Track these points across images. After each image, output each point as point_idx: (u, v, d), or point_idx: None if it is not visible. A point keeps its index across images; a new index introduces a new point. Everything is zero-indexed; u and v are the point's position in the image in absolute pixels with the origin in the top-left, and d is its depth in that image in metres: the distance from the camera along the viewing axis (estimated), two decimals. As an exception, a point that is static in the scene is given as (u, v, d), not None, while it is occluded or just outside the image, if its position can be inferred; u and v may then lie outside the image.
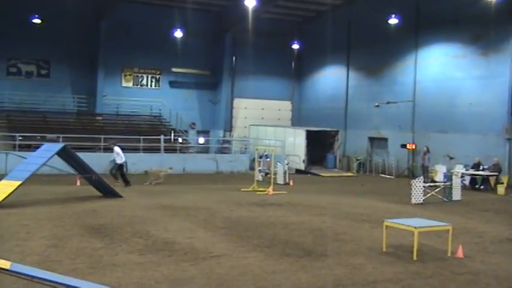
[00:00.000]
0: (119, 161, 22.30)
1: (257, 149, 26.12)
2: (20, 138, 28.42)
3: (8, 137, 29.16)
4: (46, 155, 17.01)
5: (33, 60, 36.30)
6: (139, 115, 37.67)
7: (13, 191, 15.42)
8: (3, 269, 5.84)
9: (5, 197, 15.14)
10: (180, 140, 34.72)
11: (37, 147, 21.71)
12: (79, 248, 10.26)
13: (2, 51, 34.52)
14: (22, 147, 27.89)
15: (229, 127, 40.31)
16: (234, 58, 40.05)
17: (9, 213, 14.04)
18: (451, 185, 19.80)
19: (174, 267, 9.08)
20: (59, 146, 17.57)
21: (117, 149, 22.60)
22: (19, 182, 15.70)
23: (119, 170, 22.37)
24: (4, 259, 6.29)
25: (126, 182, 22.05)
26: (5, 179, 16.37)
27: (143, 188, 21.82)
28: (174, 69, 39.16)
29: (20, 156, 22.77)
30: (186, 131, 37.26)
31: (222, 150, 36.09)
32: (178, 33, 36.93)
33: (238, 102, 41.03)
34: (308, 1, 37.01)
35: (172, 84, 39.49)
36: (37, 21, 34.46)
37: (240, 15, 35.14)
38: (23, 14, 34.06)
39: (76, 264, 8.97)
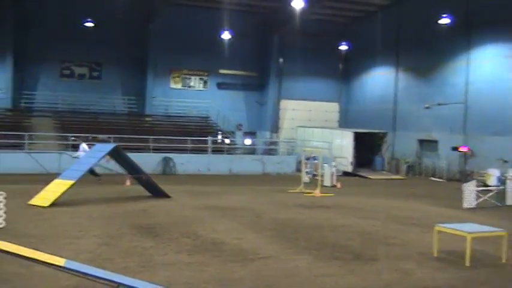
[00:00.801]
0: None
1: (304, 151, 26.03)
2: (73, 138, 29.13)
3: (61, 137, 29.94)
4: (98, 155, 17.40)
5: (86, 63, 37.23)
6: (187, 116, 38.07)
7: (66, 190, 15.82)
8: (58, 265, 5.99)
9: (58, 196, 15.54)
10: (227, 141, 34.93)
11: (89, 147, 22.30)
12: (130, 246, 10.43)
13: (56, 54, 35.57)
14: (75, 147, 28.57)
15: (275, 128, 40.30)
16: (281, 59, 40.02)
17: (63, 212, 14.41)
18: (505, 189, 19.26)
19: (222, 268, 9.12)
20: (110, 146, 17.93)
21: (84, 146, 23.09)
22: (72, 182, 16.09)
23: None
24: (59, 256, 6.46)
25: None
26: (59, 178, 16.79)
27: (191, 188, 21.96)
28: (221, 71, 39.47)
29: (73, 156, 23.37)
30: (233, 132, 37.46)
31: (268, 152, 36.10)
32: (225, 35, 37.16)
33: (285, 104, 40.98)
34: (356, 1, 36.67)
35: (219, 85, 39.79)
36: (89, 24, 35.34)
37: (287, 17, 35.14)
38: (76, 17, 35.01)
39: (127, 263, 9.11)
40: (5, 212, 11.68)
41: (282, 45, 39.57)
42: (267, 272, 9.06)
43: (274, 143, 38.05)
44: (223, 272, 8.90)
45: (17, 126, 30.60)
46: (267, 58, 39.69)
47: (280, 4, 35.55)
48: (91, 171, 21.26)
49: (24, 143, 28.18)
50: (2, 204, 11.59)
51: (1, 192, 11.66)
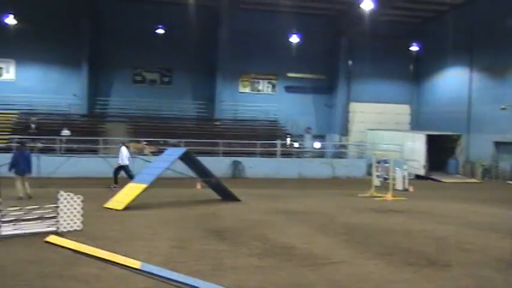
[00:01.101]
0: (120, 162, 22.43)
1: (375, 154, 25.59)
2: (145, 142, 29.85)
3: (134, 142, 30.74)
4: (170, 159, 17.71)
5: (157, 69, 38.15)
6: (256, 120, 38.26)
7: (139, 194, 16.18)
8: (134, 268, 6.12)
9: (132, 200, 15.92)
10: (295, 144, 34.84)
11: (160, 151, 22.76)
12: (201, 250, 10.52)
13: (128, 61, 36.65)
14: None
15: (345, 131, 39.87)
16: (350, 61, 39.59)
17: (136, 215, 14.74)
18: None
19: (293, 272, 9.04)
20: (182, 150, 18.20)
21: (124, 150, 22.74)
22: (145, 185, 16.44)
23: (118, 170, 22.51)
24: (134, 259, 6.60)
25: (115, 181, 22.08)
26: (132, 182, 17.22)
27: (260, 192, 21.99)
28: (289, 74, 39.47)
29: (145, 160, 23.91)
30: (301, 136, 37.35)
31: (338, 155, 35.75)
32: (294, 38, 37.14)
33: (354, 106, 40.52)
34: (427, 2, 35.84)
35: (288, 89, 39.80)
36: (160, 31, 36.18)
37: (356, 19, 34.77)
38: (147, 25, 35.97)
39: (199, 266, 9.18)
40: (82, 215, 12.05)
41: (351, 47, 39.19)
42: (339, 276, 8.91)
43: (344, 146, 37.66)
44: (294, 276, 8.82)
45: (92, 131, 31.71)
46: (336, 60, 39.40)
47: (349, 6, 35.23)
48: (130, 175, 21.71)
49: (99, 147, 29.16)
50: (79, 207, 11.96)
51: (79, 196, 12.04)
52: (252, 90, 39.67)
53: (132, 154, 24.09)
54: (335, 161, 32.48)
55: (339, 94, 39.44)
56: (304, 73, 39.37)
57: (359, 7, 30.12)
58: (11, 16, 33.62)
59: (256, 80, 39.69)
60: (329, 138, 39.18)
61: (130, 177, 21.19)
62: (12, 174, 18.23)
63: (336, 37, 39.10)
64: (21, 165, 18.11)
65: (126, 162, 22.33)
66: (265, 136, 33.65)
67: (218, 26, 37.10)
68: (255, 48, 37.67)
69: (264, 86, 39.83)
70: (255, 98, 39.27)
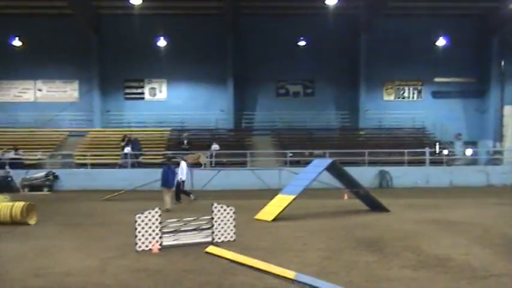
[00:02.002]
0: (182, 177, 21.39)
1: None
2: (290, 154, 30.27)
3: (279, 154, 31.32)
4: (316, 170, 17.77)
5: (300, 81, 38.58)
6: (401, 128, 37.30)
7: (288, 205, 16.41)
8: (288, 278, 6.18)
9: (281, 211, 16.18)
10: (445, 152, 33.39)
11: (306, 162, 22.90)
12: (352, 260, 10.39)
13: (272, 75, 37.53)
14: (292, 163, 29.67)
15: (499, 137, 37.47)
16: (502, 62, 37.24)
17: (286, 226, 14.94)
18: None
19: (450, 285, 8.62)
20: (328, 161, 18.19)
21: (183, 164, 21.71)
22: (293, 196, 16.65)
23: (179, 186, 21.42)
24: (287, 269, 6.67)
25: (178, 198, 21.24)
26: (281, 194, 17.51)
27: (409, 201, 21.29)
28: (436, 79, 38.01)
29: (291, 172, 24.21)
30: (451, 143, 35.69)
31: (492, 162, 33.68)
32: (440, 42, 35.85)
33: (509, 110, 37.93)
34: None
35: (435, 94, 38.35)
36: (302, 43, 36.67)
37: (507, 17, 32.70)
38: (289, 38, 36.81)
39: (351, 277, 9.07)
40: (234, 226, 12.45)
41: (503, 47, 36.87)
42: (502, 291, 8.37)
43: (499, 152, 35.39)
44: (452, 289, 8.42)
45: (239, 145, 32.77)
46: (487, 62, 37.29)
47: (498, 4, 33.23)
48: (182, 191, 21.39)
49: (247, 160, 30.05)
50: (232, 218, 12.37)
51: (231, 207, 12.45)
52: (397, 97, 38.73)
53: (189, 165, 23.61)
54: (489, 168, 30.66)
55: (491, 97, 37.22)
56: (452, 77, 37.67)
57: (510, 4, 28.28)
58: (162, 38, 35.88)
59: (401, 87, 38.70)
60: (481, 144, 37.01)
61: (184, 192, 21.53)
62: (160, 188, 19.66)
63: (486, 37, 37.02)
64: (167, 180, 19.31)
65: (184, 177, 21.69)
66: (412, 144, 32.64)
67: (359, 34, 36.78)
68: (399, 54, 36.82)
69: (409, 93, 38.72)
70: (400, 105, 38.30)
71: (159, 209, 11.48)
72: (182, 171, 21.28)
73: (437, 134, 36.49)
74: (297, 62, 37.08)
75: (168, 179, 19.35)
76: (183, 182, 21.50)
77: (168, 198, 19.05)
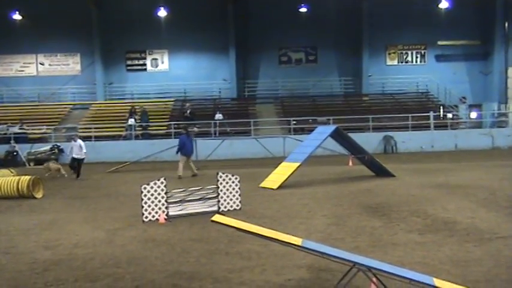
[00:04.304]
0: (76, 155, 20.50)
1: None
2: (294, 122, 30.23)
3: (283, 122, 31.28)
4: (320, 137, 17.74)
5: (302, 48, 38.26)
6: (405, 93, 37.13)
7: (293, 173, 16.43)
8: (295, 245, 6.19)
9: (286, 179, 16.21)
10: (450, 115, 33.26)
11: (310, 130, 22.88)
12: (358, 226, 10.43)
13: (274, 43, 37.22)
14: (296, 131, 29.65)
15: (504, 99, 37.22)
16: (506, 24, 36.76)
17: (291, 193, 14.98)
18: None
19: (457, 248, 8.65)
20: (332, 128, 18.14)
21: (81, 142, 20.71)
22: (297, 164, 16.66)
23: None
24: (294, 236, 6.69)
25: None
26: (285, 161, 17.53)
27: (415, 166, 21.29)
28: (440, 42, 37.62)
29: (295, 139, 24.20)
30: (456, 106, 35.53)
31: (497, 125, 33.55)
32: (443, 4, 35.40)
33: (513, 71, 37.62)
34: None
35: (438, 58, 38.03)
36: (303, 10, 36.28)
37: (512, -24, 32.18)
38: (291, 4, 36.24)
39: (357, 242, 9.12)
40: (240, 195, 12.48)
41: (507, 9, 36.32)
42: (508, 252, 8.38)
43: (504, 115, 35.21)
44: (458, 252, 8.44)
45: (242, 114, 32.72)
46: (491, 24, 36.79)
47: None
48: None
49: (251, 129, 30.03)
50: (237, 187, 12.40)
51: (236, 176, 12.47)
52: (400, 61, 38.42)
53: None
54: (494, 131, 30.57)
55: (495, 59, 36.83)
56: (455, 40, 37.25)
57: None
58: (162, 9, 35.55)
59: (404, 51, 38.36)
60: (486, 107, 36.81)
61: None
62: (178, 156, 20.40)
63: (490, -2, 36.52)
64: (188, 148, 20.35)
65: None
66: (416, 109, 32.51)
67: (362, -1, 36.41)
68: (402, 18, 36.36)
69: (412, 57, 38.40)
70: (404, 69, 38.02)
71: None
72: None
73: (442, 97, 36.32)
74: (298, 29, 36.71)
75: (186, 148, 20.32)
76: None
77: (181, 165, 19.91)
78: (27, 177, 15.82)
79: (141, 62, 38.12)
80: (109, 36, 36.97)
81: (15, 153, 28.10)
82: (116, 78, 37.88)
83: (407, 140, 29.27)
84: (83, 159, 20.47)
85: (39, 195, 15.75)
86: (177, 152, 20.56)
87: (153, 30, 36.54)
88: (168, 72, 37.99)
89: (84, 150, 20.34)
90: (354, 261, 6.03)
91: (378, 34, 36.81)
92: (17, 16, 36.11)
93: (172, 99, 36.20)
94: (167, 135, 30.28)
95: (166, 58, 38.15)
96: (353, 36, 37.31)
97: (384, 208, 12.22)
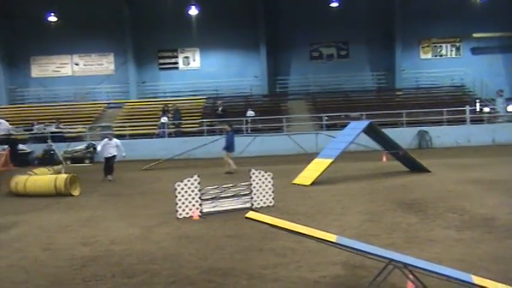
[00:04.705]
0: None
1: None
2: (326, 118, 30.05)
3: (315, 118, 31.13)
4: (353, 132, 17.59)
5: (333, 43, 37.97)
6: (440, 87, 36.51)
7: (326, 169, 16.34)
8: (330, 241, 6.14)
9: (319, 175, 16.13)
10: (486, 109, 32.60)
11: (342, 126, 22.71)
12: (394, 222, 10.31)
13: (304, 38, 37.07)
14: (328, 127, 29.47)
15: (543, 91, 36.34)
16: (544, 13, 35.85)
17: (324, 189, 14.90)
18: None
19: (496, 245, 8.47)
20: (365, 123, 17.96)
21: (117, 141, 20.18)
22: (331, 160, 16.56)
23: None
24: (328, 232, 6.63)
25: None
26: (318, 158, 17.42)
27: (450, 161, 20.92)
28: (475, 35, 36.79)
29: (328, 135, 24.06)
30: (493, 100, 34.76)
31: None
32: (478, -5, 34.75)
33: (553, 63, 36.65)
34: None
35: (474, 50, 37.28)
36: (334, 4, 36.02)
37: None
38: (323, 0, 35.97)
39: (393, 239, 9.01)
40: (273, 191, 12.46)
41: (546, -2, 35.39)
42: (550, 249, 8.18)
43: (544, 108, 34.35)
44: (498, 249, 8.26)
45: (274, 110, 32.65)
46: (528, 14, 35.85)
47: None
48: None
49: (283, 125, 29.97)
50: (270, 184, 12.39)
51: (269, 173, 12.45)
52: (434, 55, 37.81)
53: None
54: (533, 124, 29.85)
55: (535, 51, 35.93)
56: (492, 32, 36.40)
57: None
58: (193, 7, 35.70)
59: (438, 45, 37.73)
60: (525, 99, 35.98)
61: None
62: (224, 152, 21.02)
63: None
64: (234, 145, 21.17)
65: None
66: (451, 103, 31.95)
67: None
68: (436, 11, 35.72)
69: (447, 50, 37.75)
70: (438, 63, 37.39)
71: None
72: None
73: (478, 91, 35.60)
74: (329, 24, 36.43)
75: (233, 144, 21.04)
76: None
77: (232, 161, 20.52)
78: (64, 175, 16.10)
79: (173, 60, 38.37)
80: (141, 35, 37.31)
81: (52, 152, 28.59)
82: (148, 77, 38.23)
83: (442, 135, 28.82)
84: (114, 156, 19.67)
85: (76, 192, 16.00)
86: (227, 149, 20.90)
87: (184, 28, 36.74)
88: (200, 70, 38.15)
89: (123, 149, 19.79)
90: (390, 257, 5.95)
91: (411, 28, 36.27)
92: (52, 18, 36.68)
93: (204, 97, 36.35)
94: (199, 133, 30.43)
95: (197, 56, 38.31)
96: (385, 30, 36.85)
97: (420, 204, 12.05)
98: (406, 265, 5.91)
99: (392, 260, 5.94)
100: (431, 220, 10.39)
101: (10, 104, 37.49)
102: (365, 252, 6.02)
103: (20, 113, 35.56)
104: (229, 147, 20.94)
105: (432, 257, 7.67)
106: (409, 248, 8.38)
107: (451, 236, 9.13)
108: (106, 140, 19.85)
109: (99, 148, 20.09)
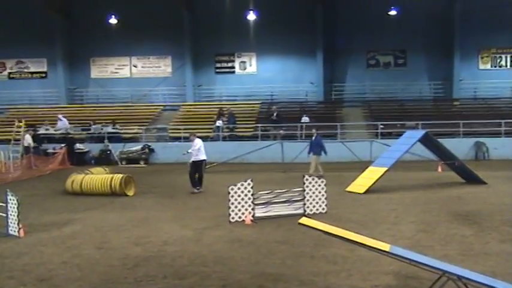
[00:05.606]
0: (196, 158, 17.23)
1: None
2: (381, 126, 29.74)
3: (370, 126, 30.86)
4: (409, 142, 17.41)
5: (390, 51, 37.52)
6: (499, 98, 35.50)
7: (380, 177, 16.21)
8: (384, 250, 6.14)
9: (373, 183, 16.02)
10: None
11: (398, 134, 22.44)
12: (448, 234, 10.17)
13: (361, 46, 36.76)
14: (383, 135, 29.15)
15: None
16: None
17: (378, 198, 14.80)
18: None
19: (554, 261, 8.27)
20: (421, 133, 17.75)
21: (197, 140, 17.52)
22: (385, 169, 16.43)
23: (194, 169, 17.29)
24: (381, 241, 6.63)
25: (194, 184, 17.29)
26: (372, 166, 17.31)
27: (508, 174, 20.37)
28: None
29: (383, 144, 23.82)
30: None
31: None
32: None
33: None
34: None
35: (535, 61, 36.18)
36: (393, 12, 35.64)
37: None
38: (380, 8, 35.64)
39: (447, 251, 8.90)
40: (326, 198, 12.47)
41: None
42: None
43: None
44: (556, 265, 8.06)
45: (329, 117, 32.50)
46: None
47: None
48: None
49: (337, 132, 29.84)
50: (323, 191, 12.40)
51: (322, 180, 12.48)
52: (494, 65, 36.88)
53: None
54: None
55: None
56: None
57: None
58: (252, 12, 36.00)
59: (497, 55, 36.78)
60: None
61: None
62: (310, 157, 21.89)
63: None
64: (322, 148, 21.67)
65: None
66: (510, 114, 31.07)
67: (452, 1, 35.19)
68: (495, 20, 34.81)
69: (507, 61, 36.75)
70: (497, 74, 36.39)
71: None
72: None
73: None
74: (387, 32, 36.04)
75: (322, 148, 21.56)
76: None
77: (319, 165, 21.16)
78: (120, 176, 16.52)
79: (229, 64, 38.74)
80: (199, 39, 37.82)
81: (108, 152, 29.37)
82: (204, 80, 38.69)
83: (500, 147, 28.08)
84: (203, 160, 17.35)
85: (130, 193, 16.40)
86: (318, 153, 21.60)
87: (242, 33, 37.06)
88: (256, 75, 38.38)
89: (203, 151, 17.30)
90: (444, 269, 5.91)
91: (470, 37, 35.46)
92: (113, 20, 37.66)
93: (259, 102, 36.54)
94: (254, 137, 30.61)
95: (254, 61, 38.56)
96: (444, 40, 36.15)
97: (475, 216, 11.84)
98: (460, 277, 5.86)
99: (446, 271, 5.90)
100: (487, 233, 10.21)
101: (69, 104, 38.63)
102: (419, 262, 6.00)
103: (78, 113, 36.57)
104: (322, 150, 21.50)
105: (487, 270, 7.56)
106: (463, 260, 8.27)
107: (506, 249, 8.95)
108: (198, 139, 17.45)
109: (197, 147, 17.19)
